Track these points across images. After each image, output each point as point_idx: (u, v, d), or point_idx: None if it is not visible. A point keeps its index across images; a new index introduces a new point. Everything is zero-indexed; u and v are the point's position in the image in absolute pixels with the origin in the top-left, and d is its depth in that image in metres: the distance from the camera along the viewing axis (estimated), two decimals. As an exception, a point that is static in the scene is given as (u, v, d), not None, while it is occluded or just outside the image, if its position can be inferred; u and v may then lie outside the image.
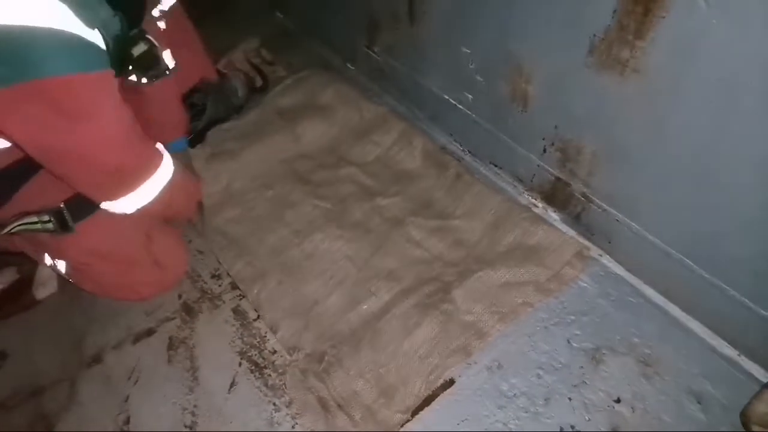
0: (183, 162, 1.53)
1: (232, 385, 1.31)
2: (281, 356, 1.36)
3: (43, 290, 1.46)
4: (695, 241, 1.29)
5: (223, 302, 1.48)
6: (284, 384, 1.31)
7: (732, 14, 0.97)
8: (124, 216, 1.25)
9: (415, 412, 1.26)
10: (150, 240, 1.36)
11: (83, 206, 1.22)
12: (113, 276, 1.35)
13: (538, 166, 1.58)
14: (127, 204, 1.22)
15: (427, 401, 1.27)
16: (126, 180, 1.18)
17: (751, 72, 0.99)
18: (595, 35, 1.21)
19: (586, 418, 1.25)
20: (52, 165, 1.09)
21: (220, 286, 1.51)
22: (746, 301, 1.24)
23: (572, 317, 1.42)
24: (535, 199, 1.66)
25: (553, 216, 1.62)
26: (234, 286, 1.50)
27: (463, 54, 1.60)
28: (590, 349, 1.36)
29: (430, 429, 1.24)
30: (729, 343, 1.33)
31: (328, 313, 1.42)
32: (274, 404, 1.28)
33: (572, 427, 1.23)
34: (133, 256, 1.33)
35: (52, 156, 1.07)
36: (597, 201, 1.46)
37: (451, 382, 1.30)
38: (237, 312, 1.45)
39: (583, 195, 1.49)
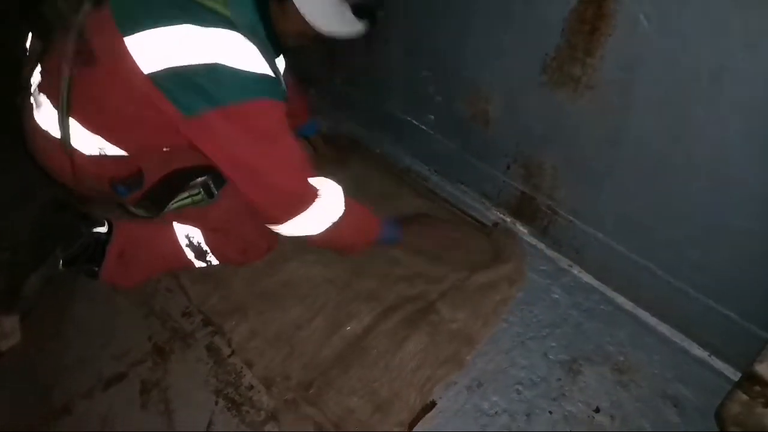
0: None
1: (210, 425, 1.28)
2: (258, 391, 1.33)
3: (6, 342, 1.41)
4: (659, 248, 1.32)
5: (196, 340, 1.44)
6: (265, 419, 1.28)
7: (672, 29, 1.02)
8: None
9: (412, 424, 1.26)
10: None
11: (218, 174, 1.32)
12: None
13: (504, 182, 1.61)
14: (291, 228, 1.28)
15: (410, 425, 1.26)
16: (293, 203, 1.25)
17: (696, 82, 1.03)
18: (546, 54, 1.25)
19: (568, 430, 1.25)
20: (241, 182, 1.20)
21: (192, 323, 1.48)
22: (711, 302, 1.27)
23: (547, 330, 1.43)
24: (504, 214, 1.69)
25: (522, 230, 1.65)
26: (207, 323, 1.47)
27: (423, 77, 1.63)
28: (566, 360, 1.37)
29: (413, 454, 1.23)
30: (699, 345, 1.36)
31: (312, 338, 1.41)
32: (254, 441, 1.25)
33: (554, 441, 1.24)
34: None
35: (242, 174, 1.19)
36: (562, 213, 1.49)
37: (432, 405, 1.30)
38: (210, 349, 1.42)
39: (549, 208, 1.52)
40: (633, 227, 1.35)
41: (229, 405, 1.31)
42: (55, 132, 1.22)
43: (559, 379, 1.34)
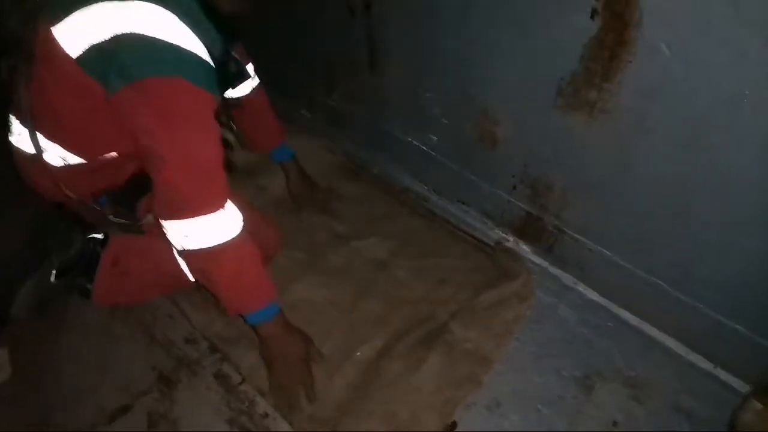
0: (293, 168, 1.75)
1: (226, 457, 1.23)
2: (274, 419, 1.29)
3: (-4, 377, 1.31)
4: (667, 265, 1.37)
5: (203, 368, 1.38)
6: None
7: (692, 57, 1.06)
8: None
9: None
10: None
11: None
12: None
13: (508, 202, 1.64)
14: (172, 229, 1.14)
15: (433, 449, 1.25)
16: (184, 203, 1.12)
17: (715, 109, 1.08)
18: (562, 79, 1.29)
19: (587, 448, 1.27)
20: (147, 165, 1.12)
21: (197, 350, 1.42)
22: (719, 317, 1.33)
23: (558, 347, 1.45)
24: (506, 234, 1.71)
25: (525, 249, 1.68)
26: (213, 349, 1.42)
27: (426, 98, 1.64)
28: (580, 377, 1.40)
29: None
30: (705, 358, 1.41)
31: (322, 365, 1.37)
32: (275, 472, 1.21)
33: (578, 458, 1.25)
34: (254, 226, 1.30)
35: (145, 157, 1.10)
36: (569, 232, 1.53)
37: (453, 426, 1.29)
38: (219, 377, 1.36)
39: (555, 227, 1.55)
40: (641, 245, 1.39)
41: (245, 434, 1.26)
42: (29, 149, 1.21)
43: (575, 397, 1.36)
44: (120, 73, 1.01)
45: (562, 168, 1.44)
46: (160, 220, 1.15)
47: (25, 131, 1.20)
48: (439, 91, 1.61)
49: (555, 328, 1.50)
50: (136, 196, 1.33)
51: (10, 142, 1.26)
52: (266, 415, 1.30)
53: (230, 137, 1.41)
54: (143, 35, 0.98)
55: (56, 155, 1.21)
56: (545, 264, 1.65)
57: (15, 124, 1.24)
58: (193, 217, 1.11)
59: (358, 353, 1.42)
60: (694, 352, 1.43)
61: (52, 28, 1.03)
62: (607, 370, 1.41)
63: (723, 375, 1.39)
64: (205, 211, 1.11)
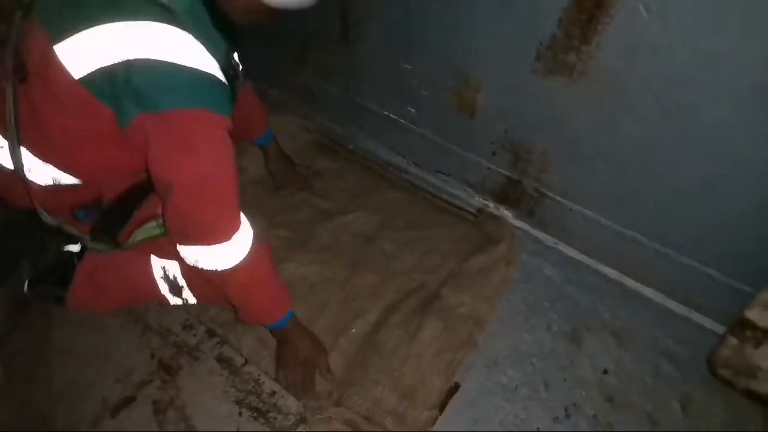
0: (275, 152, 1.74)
1: (238, 436, 1.24)
2: (281, 396, 1.30)
3: (-12, 379, 1.26)
4: (646, 219, 1.44)
5: (203, 353, 1.37)
6: (295, 422, 1.26)
7: (670, 18, 1.11)
8: None
9: (441, 407, 1.30)
10: None
11: None
12: None
13: (488, 168, 1.68)
14: (189, 253, 1.14)
15: (439, 409, 1.30)
16: (191, 233, 1.11)
17: (693, 67, 1.14)
18: (541, 43, 1.32)
19: (583, 393, 1.35)
20: (160, 194, 1.10)
21: (195, 336, 1.41)
22: (694, 264, 1.42)
23: (546, 305, 1.52)
24: (487, 200, 1.75)
25: (507, 213, 1.73)
26: (211, 334, 1.41)
27: (404, 70, 1.65)
28: (569, 331, 1.47)
29: (446, 437, 1.26)
30: (682, 303, 1.51)
31: (320, 337, 1.39)
32: (290, 446, 1.23)
33: (574, 404, 1.32)
34: None
35: (159, 186, 1.08)
36: (550, 195, 1.59)
37: (456, 387, 1.34)
38: (222, 360, 1.36)
39: (536, 190, 1.61)
40: (620, 203, 1.46)
41: (255, 414, 1.27)
42: (8, 163, 1.13)
43: (566, 349, 1.43)
44: (137, 101, 0.97)
45: (542, 132, 1.48)
46: (173, 241, 1.14)
47: (5, 143, 1.12)
48: (417, 60, 1.62)
49: (541, 287, 1.57)
50: (124, 218, 1.27)
51: None
52: (273, 393, 1.31)
53: None
54: (160, 61, 0.94)
55: (47, 175, 1.15)
56: (527, 227, 1.70)
57: None
58: (205, 245, 1.10)
59: (353, 330, 1.45)
60: (671, 299, 1.52)
61: (54, 46, 0.97)
62: (593, 322, 1.49)
63: (699, 318, 1.49)
64: (216, 241, 1.10)
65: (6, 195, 1.24)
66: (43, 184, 1.16)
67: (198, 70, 0.98)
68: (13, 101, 1.06)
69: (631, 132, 1.31)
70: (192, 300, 1.39)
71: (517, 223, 1.71)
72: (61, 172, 1.15)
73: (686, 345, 1.44)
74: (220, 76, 1.04)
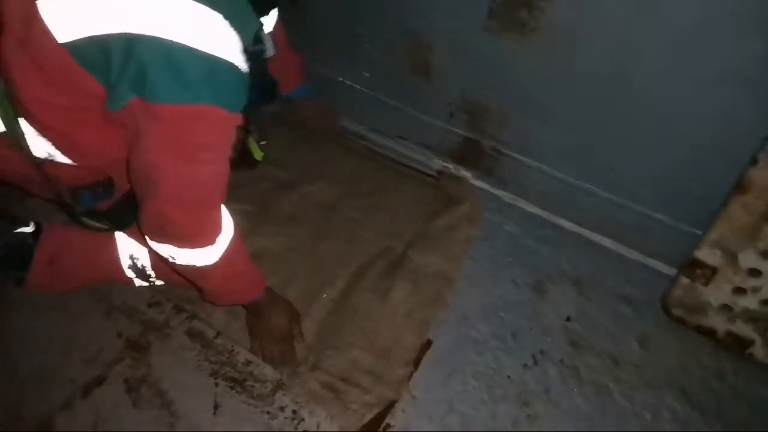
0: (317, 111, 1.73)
1: (216, 407, 1.23)
2: (257, 365, 1.30)
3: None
4: (600, 171, 1.50)
5: (172, 329, 1.35)
6: (273, 389, 1.27)
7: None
8: None
9: (416, 363, 1.33)
10: None
11: None
12: None
13: (446, 130, 1.69)
14: (162, 249, 1.06)
15: (413, 365, 1.33)
16: (167, 234, 1.03)
17: (636, 14, 1.18)
18: (494, 0, 1.34)
19: (549, 340, 1.40)
20: (136, 184, 1.02)
21: (162, 313, 1.38)
22: (646, 210, 1.49)
23: (509, 259, 1.57)
24: (447, 162, 1.78)
25: (466, 174, 1.76)
26: (179, 309, 1.38)
27: (356, 34, 1.64)
28: (532, 283, 1.52)
29: (420, 391, 1.29)
30: (635, 249, 1.58)
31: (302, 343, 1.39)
32: (268, 412, 1.23)
33: (541, 351, 1.38)
34: None
35: (140, 177, 0.99)
36: (507, 153, 1.62)
37: (429, 343, 1.37)
38: (192, 334, 1.34)
39: (494, 149, 1.64)
40: (576, 156, 1.51)
41: (231, 384, 1.27)
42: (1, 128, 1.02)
43: (531, 300, 1.48)
44: (136, 86, 0.86)
45: (498, 90, 1.51)
46: (146, 236, 1.06)
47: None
48: (369, 23, 1.61)
49: (503, 243, 1.61)
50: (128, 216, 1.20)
51: None
52: (248, 363, 1.30)
53: (256, 149, 1.30)
54: (171, 42, 0.82)
55: (40, 148, 1.04)
56: (486, 186, 1.74)
57: None
58: (181, 247, 1.03)
59: (324, 295, 1.45)
60: (627, 246, 1.59)
61: (38, 2, 0.85)
62: (554, 273, 1.55)
63: (653, 263, 1.57)
64: (198, 246, 1.04)
65: (9, 169, 1.11)
66: (39, 156, 1.04)
67: (215, 57, 0.86)
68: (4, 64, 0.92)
69: (582, 85, 1.35)
70: (159, 284, 1.37)
71: (477, 182, 1.74)
72: (54, 149, 1.04)
73: (642, 289, 1.51)
74: (240, 61, 0.92)
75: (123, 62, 0.85)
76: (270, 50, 1.08)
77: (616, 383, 1.34)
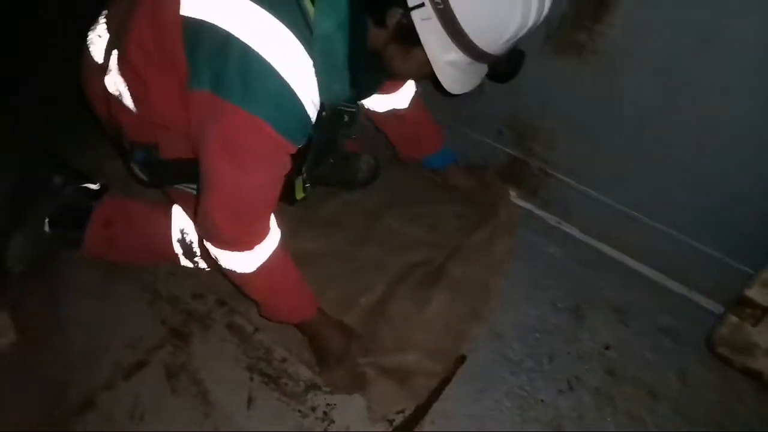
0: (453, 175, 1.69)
1: (250, 401, 1.26)
2: (292, 363, 1.33)
3: (1, 341, 1.28)
4: (646, 197, 1.47)
5: (214, 321, 1.40)
6: (306, 388, 1.29)
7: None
8: None
9: (448, 377, 1.33)
10: None
11: None
12: None
13: (493, 147, 1.70)
14: (209, 249, 1.12)
15: (446, 380, 1.33)
16: (213, 235, 1.10)
17: (697, 41, 1.16)
18: (550, 23, 1.34)
19: (586, 367, 1.38)
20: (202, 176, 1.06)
21: (205, 305, 1.42)
22: (693, 242, 1.45)
23: (550, 281, 1.55)
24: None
25: (511, 193, 1.75)
26: (221, 303, 1.43)
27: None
28: (572, 307, 1.50)
29: (452, 404, 1.29)
30: (680, 282, 1.54)
31: (329, 311, 1.41)
32: (300, 411, 1.25)
33: (577, 378, 1.36)
34: None
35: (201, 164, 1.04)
36: (555, 174, 1.61)
37: (462, 358, 1.37)
38: (232, 328, 1.38)
39: (541, 170, 1.64)
40: (622, 181, 1.49)
41: (266, 380, 1.30)
42: (98, 57, 1.16)
43: (569, 324, 1.46)
44: (215, 78, 0.94)
45: (549, 111, 1.51)
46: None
47: (105, 38, 1.15)
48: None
49: (544, 264, 1.60)
50: (176, 178, 1.27)
51: (88, 52, 1.19)
52: (284, 360, 1.33)
53: (300, 189, 1.30)
54: (260, 57, 0.91)
55: (116, 85, 1.14)
56: (530, 206, 1.73)
57: (101, 26, 1.17)
58: (224, 249, 1.10)
59: (363, 299, 1.47)
60: (671, 278, 1.55)
61: None
62: (595, 299, 1.52)
63: (697, 297, 1.52)
64: (236, 249, 1.09)
65: (88, 90, 1.25)
66: (111, 90, 1.16)
67: (289, 86, 0.94)
68: (129, 3, 1.07)
69: (636, 110, 1.34)
70: (203, 266, 1.41)
71: (521, 203, 1.73)
72: (126, 90, 1.14)
73: (685, 322, 1.47)
74: (309, 107, 1.00)
75: (213, 52, 0.94)
76: (350, 120, 1.19)
77: (651, 416, 1.30)
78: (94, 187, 1.39)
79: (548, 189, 1.66)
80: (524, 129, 1.59)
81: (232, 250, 1.09)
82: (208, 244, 1.12)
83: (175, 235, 1.38)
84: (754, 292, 1.28)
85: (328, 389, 1.28)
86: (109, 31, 1.15)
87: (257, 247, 1.09)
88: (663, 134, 1.34)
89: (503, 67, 1.05)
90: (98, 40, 1.17)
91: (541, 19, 0.96)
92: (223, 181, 1.02)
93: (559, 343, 1.42)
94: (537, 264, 1.59)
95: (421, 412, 1.26)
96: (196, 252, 1.39)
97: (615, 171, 1.49)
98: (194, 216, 1.11)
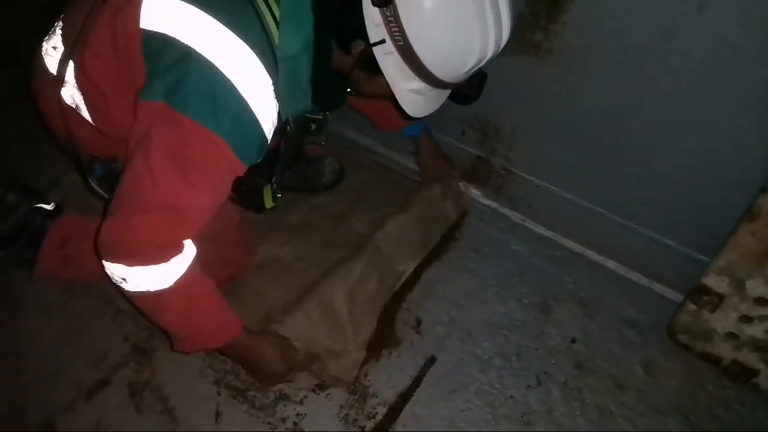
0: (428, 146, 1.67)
1: (218, 416, 1.23)
2: (260, 374, 1.31)
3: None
4: (608, 192, 1.50)
5: (178, 335, 1.37)
6: (275, 399, 1.27)
7: (631, -4, 1.17)
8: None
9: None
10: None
11: None
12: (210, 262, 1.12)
13: (457, 147, 1.71)
14: (115, 271, 1.02)
15: (416, 382, 1.33)
16: (125, 247, 1.00)
17: (651, 41, 1.19)
18: (508, 24, 1.35)
19: (553, 361, 1.40)
20: (123, 185, 1.00)
21: (169, 318, 1.39)
22: (653, 234, 1.49)
23: (516, 278, 1.57)
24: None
25: (475, 192, 1.76)
26: (185, 316, 1.40)
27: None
28: (538, 302, 1.52)
29: (423, 407, 1.29)
30: (642, 274, 1.58)
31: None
32: (269, 423, 1.23)
33: (545, 372, 1.38)
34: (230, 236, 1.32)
35: (127, 178, 0.99)
36: (517, 172, 1.63)
37: (432, 360, 1.37)
38: (197, 341, 1.36)
39: (504, 168, 1.65)
40: (585, 177, 1.52)
41: (233, 393, 1.28)
42: (53, 68, 1.13)
43: (536, 319, 1.48)
44: (171, 90, 0.92)
45: (510, 111, 1.52)
46: (99, 255, 1.02)
47: (61, 50, 1.11)
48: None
49: (510, 262, 1.61)
50: None
51: (42, 61, 1.16)
52: (251, 372, 1.31)
53: (269, 198, 1.21)
54: (221, 75, 0.91)
55: (71, 96, 1.12)
56: (495, 205, 1.74)
57: (56, 37, 1.14)
58: (135, 266, 0.99)
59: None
60: (633, 270, 1.59)
61: None
62: (560, 293, 1.54)
63: (659, 288, 1.55)
64: (151, 261, 0.99)
65: (41, 103, 1.21)
66: (67, 101, 1.13)
67: (249, 106, 0.94)
68: (87, 15, 1.04)
69: (594, 106, 1.36)
70: None
71: (486, 201, 1.75)
72: (83, 102, 1.12)
73: (648, 313, 1.51)
74: (267, 126, 0.99)
75: (170, 65, 0.93)
76: (317, 128, 1.17)
77: (619, 407, 1.33)
78: (48, 207, 1.34)
79: (512, 187, 1.68)
80: (487, 129, 1.60)
81: (146, 264, 0.98)
82: (113, 266, 1.01)
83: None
84: (710, 280, 1.32)
85: (297, 399, 1.27)
86: (64, 43, 1.12)
87: (174, 260, 1.01)
88: (621, 130, 1.36)
89: (465, 89, 1.07)
90: (53, 51, 1.14)
91: (500, 50, 0.98)
92: (160, 186, 0.95)
93: (526, 339, 1.44)
94: (503, 261, 1.61)
95: (392, 416, 1.26)
96: None
97: (576, 167, 1.51)
98: (98, 231, 1.00)
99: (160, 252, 0.99)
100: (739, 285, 1.29)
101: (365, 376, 1.33)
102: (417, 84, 0.97)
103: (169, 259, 1.00)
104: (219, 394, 1.27)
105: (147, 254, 0.98)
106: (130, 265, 0.99)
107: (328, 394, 1.29)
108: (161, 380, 1.28)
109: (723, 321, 1.35)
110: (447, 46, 0.92)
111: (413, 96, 1.00)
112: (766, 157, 1.17)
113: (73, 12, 1.12)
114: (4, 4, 2.09)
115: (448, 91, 1.08)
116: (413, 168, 1.83)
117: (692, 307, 1.38)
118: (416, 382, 1.32)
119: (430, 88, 0.99)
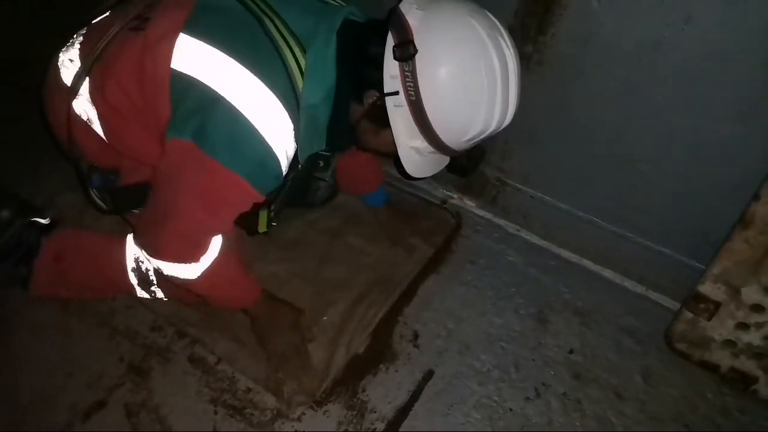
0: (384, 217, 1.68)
1: (216, 435, 1.22)
2: (257, 392, 1.29)
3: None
4: (601, 201, 1.51)
5: (174, 353, 1.35)
6: (272, 417, 1.26)
7: (619, 7, 1.18)
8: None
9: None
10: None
11: None
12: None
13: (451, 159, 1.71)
14: (152, 261, 1.20)
15: (414, 396, 1.32)
16: (162, 251, 1.16)
17: (639, 52, 1.20)
18: (499, 36, 1.36)
19: (552, 372, 1.39)
20: (154, 206, 1.17)
21: (164, 337, 1.38)
22: (648, 243, 1.49)
23: (512, 289, 1.57)
24: (450, 191, 1.79)
25: (470, 203, 1.77)
26: (181, 334, 1.38)
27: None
28: (535, 313, 1.52)
29: (421, 421, 1.28)
30: (638, 282, 1.58)
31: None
32: (268, 441, 1.22)
33: (544, 384, 1.37)
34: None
35: (161, 204, 1.13)
36: (511, 183, 1.64)
37: (430, 373, 1.36)
38: (194, 360, 1.34)
39: (498, 180, 1.66)
40: (577, 187, 1.52)
41: (231, 411, 1.26)
42: (68, 80, 1.16)
43: (534, 330, 1.48)
44: (199, 132, 1.00)
45: (502, 122, 1.53)
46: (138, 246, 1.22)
47: (78, 65, 1.15)
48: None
49: (506, 272, 1.61)
50: (136, 202, 1.25)
51: (57, 73, 1.18)
52: (249, 390, 1.30)
53: (263, 224, 1.29)
54: (247, 121, 0.98)
55: (84, 110, 1.16)
56: (490, 216, 1.75)
57: (74, 51, 1.17)
58: (169, 262, 1.15)
59: (325, 317, 1.45)
60: (628, 278, 1.59)
61: (182, 33, 1.02)
62: (557, 303, 1.54)
63: (655, 296, 1.56)
64: (182, 262, 1.14)
65: (51, 111, 1.24)
66: (78, 113, 1.17)
67: (272, 149, 1.01)
68: (110, 38, 1.10)
69: (586, 117, 1.37)
70: (160, 295, 1.38)
71: (481, 212, 1.75)
72: (97, 118, 1.16)
73: (645, 321, 1.51)
74: (285, 164, 1.07)
75: (198, 107, 1.00)
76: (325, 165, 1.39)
77: (619, 417, 1.32)
78: (43, 221, 1.35)
79: (506, 198, 1.68)
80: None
81: (178, 263, 1.14)
82: (149, 256, 1.18)
83: (130, 264, 1.34)
84: (706, 288, 1.32)
85: (295, 416, 1.26)
86: (82, 59, 1.15)
87: (203, 258, 1.14)
88: (614, 140, 1.37)
89: (463, 161, 1.14)
90: (70, 64, 1.17)
91: (502, 127, 1.03)
92: (189, 218, 1.08)
93: (524, 350, 1.43)
94: (499, 272, 1.61)
95: (390, 431, 1.25)
96: (152, 281, 1.35)
97: (570, 177, 1.52)
98: (136, 231, 1.18)
99: (188, 260, 1.14)
100: (734, 292, 1.29)
101: (363, 391, 1.32)
102: (420, 143, 1.03)
103: (198, 259, 1.14)
104: (216, 413, 1.25)
105: (178, 261, 1.14)
106: (163, 261, 1.16)
107: (326, 411, 1.28)
108: (158, 400, 1.26)
109: (720, 328, 1.35)
110: (454, 110, 0.97)
111: (414, 154, 1.06)
112: (758, 165, 1.17)
113: (94, 31, 1.18)
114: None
115: (446, 160, 1.15)
116: (406, 182, 1.84)
117: (689, 315, 1.38)
118: (414, 396, 1.32)
119: (431, 150, 1.04)
